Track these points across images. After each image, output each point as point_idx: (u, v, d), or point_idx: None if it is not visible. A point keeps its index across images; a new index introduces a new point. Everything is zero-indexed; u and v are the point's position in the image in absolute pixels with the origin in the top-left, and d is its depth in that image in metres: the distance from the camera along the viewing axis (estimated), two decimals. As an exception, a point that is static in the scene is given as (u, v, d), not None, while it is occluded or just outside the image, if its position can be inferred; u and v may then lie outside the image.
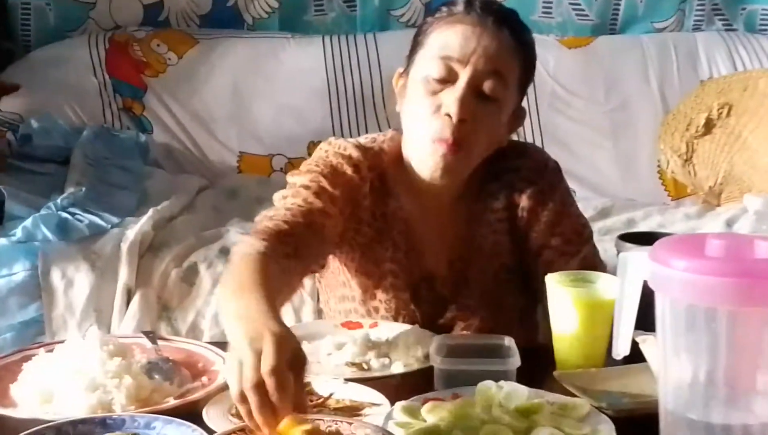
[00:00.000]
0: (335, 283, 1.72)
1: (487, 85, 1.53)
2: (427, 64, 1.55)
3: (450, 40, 1.54)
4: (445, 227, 1.67)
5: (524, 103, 1.70)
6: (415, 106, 1.56)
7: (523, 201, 1.65)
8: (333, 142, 1.66)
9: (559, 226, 1.65)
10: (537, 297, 1.66)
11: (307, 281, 2.47)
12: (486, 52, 1.52)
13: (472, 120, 1.52)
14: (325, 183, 1.57)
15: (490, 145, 1.60)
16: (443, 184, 1.60)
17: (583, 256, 1.64)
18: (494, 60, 1.53)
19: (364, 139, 1.69)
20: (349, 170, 1.60)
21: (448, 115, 1.51)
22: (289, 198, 1.55)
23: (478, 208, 1.66)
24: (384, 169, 1.65)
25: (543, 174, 1.67)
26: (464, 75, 1.52)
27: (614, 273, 1.33)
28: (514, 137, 1.72)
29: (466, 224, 1.66)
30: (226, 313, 1.25)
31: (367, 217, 1.64)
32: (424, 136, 1.54)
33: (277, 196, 1.59)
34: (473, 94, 1.52)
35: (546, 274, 1.55)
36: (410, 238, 1.66)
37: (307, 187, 1.56)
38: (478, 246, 1.66)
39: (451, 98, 1.51)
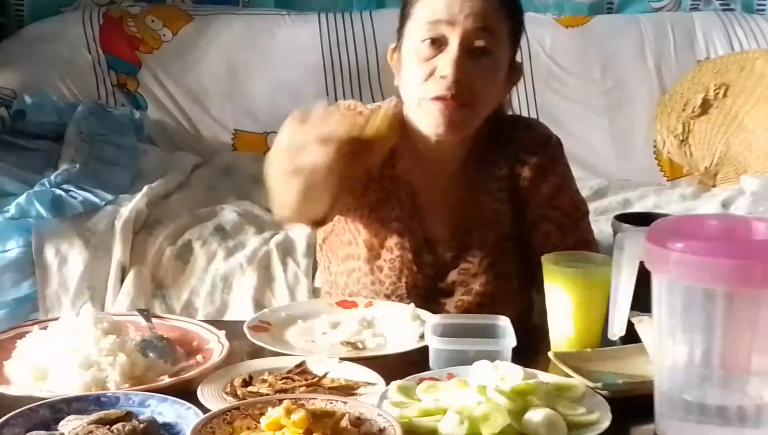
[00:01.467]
0: (340, 243, 1.73)
1: (478, 42, 1.55)
2: (417, 31, 1.57)
3: (436, 5, 1.57)
4: (448, 193, 1.69)
5: (521, 82, 1.72)
6: (410, 74, 1.59)
7: (525, 171, 1.67)
8: (341, 103, 1.71)
9: (558, 199, 1.68)
10: (533, 268, 1.67)
11: (302, 260, 2.48)
12: (473, 10, 1.55)
13: (468, 79, 1.54)
14: None
15: (491, 100, 1.62)
16: (448, 144, 1.63)
17: (579, 231, 1.68)
18: (482, 16, 1.55)
19: (369, 106, 1.72)
20: None
21: (444, 78, 1.54)
22: None
23: (480, 177, 1.68)
24: None
25: (546, 147, 1.70)
26: (454, 37, 1.54)
27: (609, 253, 1.33)
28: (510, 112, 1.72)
29: (468, 191, 1.68)
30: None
31: (376, 176, 1.66)
32: (422, 98, 1.57)
33: None
34: (466, 54, 1.55)
35: (543, 245, 1.62)
36: (414, 201, 1.68)
37: None
38: (480, 213, 1.68)
39: (444, 61, 1.54)
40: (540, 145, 1.69)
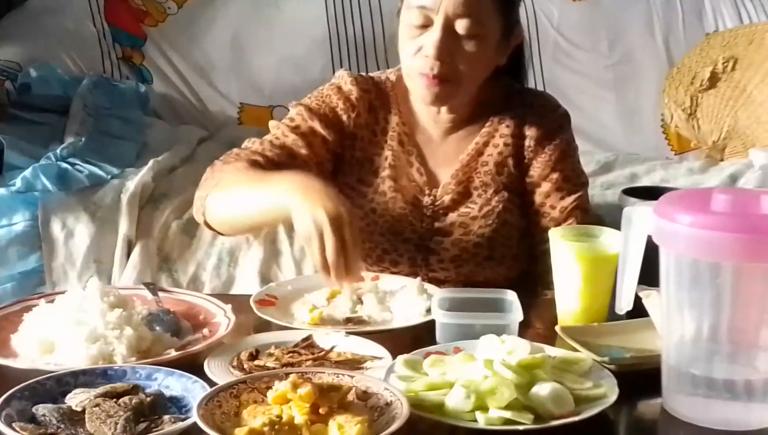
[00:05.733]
0: None
1: (460, 26, 1.62)
2: (408, 12, 1.65)
3: None
4: (451, 140, 1.76)
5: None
6: (402, 48, 1.68)
7: (532, 132, 1.74)
8: (337, 74, 1.81)
9: (561, 163, 1.74)
10: (532, 228, 1.75)
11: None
12: None
13: (450, 58, 1.62)
14: (306, 116, 1.74)
15: (481, 71, 1.69)
16: (444, 111, 1.73)
17: (578, 196, 1.73)
18: (463, 2, 1.60)
19: (376, 72, 1.85)
20: (335, 98, 1.76)
21: (427, 57, 1.63)
22: (275, 130, 1.75)
23: (487, 130, 1.75)
24: (386, 92, 1.78)
25: (554, 114, 1.77)
26: (438, 20, 1.61)
27: (616, 227, 1.32)
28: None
29: (473, 142, 1.75)
30: (272, 192, 1.49)
31: (366, 134, 1.77)
32: (411, 73, 1.68)
33: (272, 124, 1.79)
34: (450, 35, 1.62)
35: (541, 204, 1.73)
36: (412, 146, 1.75)
37: (291, 120, 1.75)
38: (483, 162, 1.74)
39: (428, 41, 1.62)
40: (549, 110, 1.77)
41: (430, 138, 1.76)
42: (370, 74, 1.82)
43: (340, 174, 1.77)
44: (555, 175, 1.72)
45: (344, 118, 1.75)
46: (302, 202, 1.42)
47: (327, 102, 1.75)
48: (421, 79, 1.64)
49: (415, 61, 1.64)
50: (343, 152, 1.76)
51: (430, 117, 1.74)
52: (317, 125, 1.73)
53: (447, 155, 1.75)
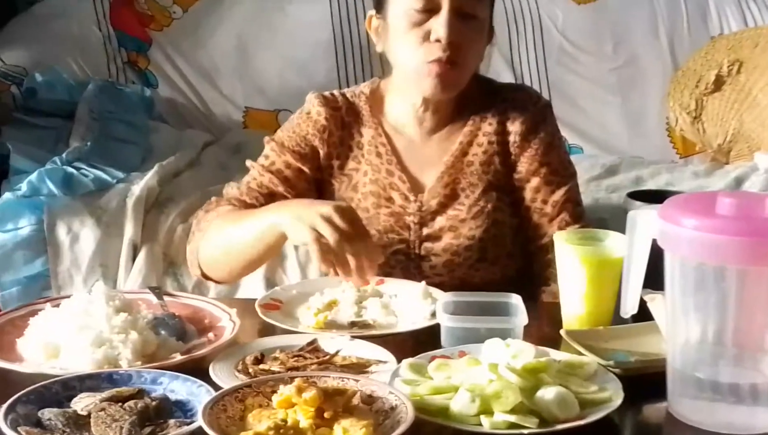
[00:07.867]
0: None
1: (468, 6, 1.64)
2: (404, 2, 1.65)
3: None
4: (434, 142, 1.76)
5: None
6: (402, 39, 1.67)
7: (516, 127, 1.74)
8: (307, 98, 1.80)
9: (548, 156, 1.74)
10: (524, 225, 1.75)
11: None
12: None
13: (458, 41, 1.63)
14: (278, 151, 1.75)
15: (477, 59, 1.72)
16: (433, 105, 1.73)
17: (568, 188, 1.74)
18: None
19: (349, 88, 1.85)
20: (304, 126, 1.76)
21: (438, 41, 1.63)
22: (252, 170, 1.76)
23: (470, 130, 1.75)
24: (359, 106, 1.78)
25: (536, 106, 1.77)
26: (446, 2, 1.62)
27: (621, 230, 1.32)
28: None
29: (457, 144, 1.74)
30: (262, 219, 1.55)
31: (342, 150, 1.77)
32: (417, 62, 1.66)
33: (248, 164, 1.79)
34: (457, 18, 1.63)
35: (533, 199, 1.73)
36: (391, 155, 1.75)
37: (266, 158, 1.76)
38: (468, 162, 1.74)
39: (438, 24, 1.62)
40: (530, 103, 1.77)
41: (411, 141, 1.76)
42: (343, 90, 1.82)
43: (324, 195, 1.77)
44: (543, 170, 1.73)
45: (316, 143, 1.75)
46: (293, 215, 1.47)
47: (297, 132, 1.76)
48: (432, 66, 1.63)
49: (424, 48, 1.63)
50: (322, 176, 1.77)
51: (413, 118, 1.74)
52: (290, 159, 1.74)
53: (430, 158, 1.75)
